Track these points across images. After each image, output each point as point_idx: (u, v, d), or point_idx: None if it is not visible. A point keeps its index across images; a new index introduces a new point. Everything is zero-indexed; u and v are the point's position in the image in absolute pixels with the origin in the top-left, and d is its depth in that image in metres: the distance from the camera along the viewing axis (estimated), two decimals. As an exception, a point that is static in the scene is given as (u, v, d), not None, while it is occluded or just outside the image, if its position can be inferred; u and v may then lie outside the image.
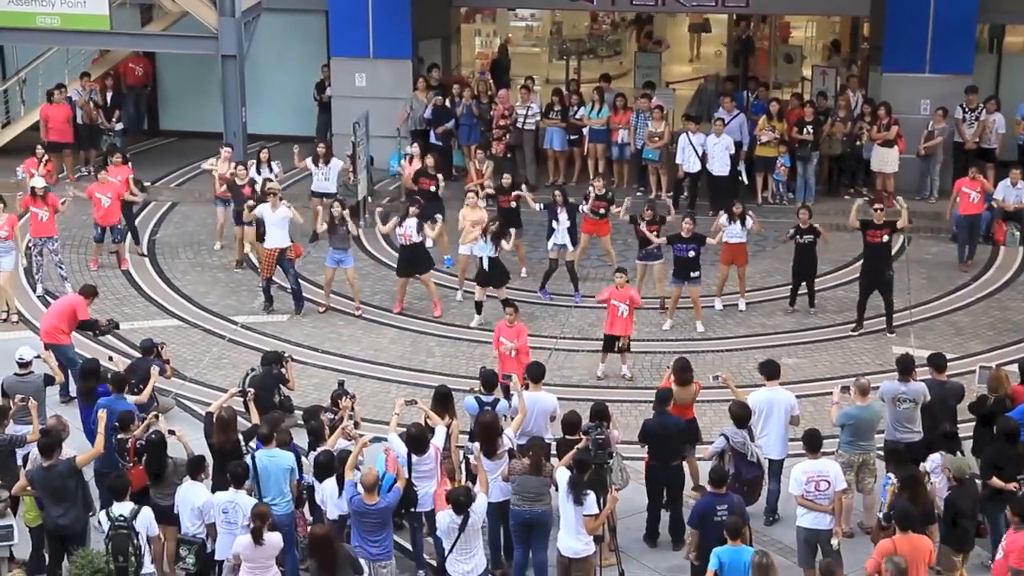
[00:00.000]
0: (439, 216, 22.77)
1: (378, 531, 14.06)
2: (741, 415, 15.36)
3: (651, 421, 15.85)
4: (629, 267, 21.24)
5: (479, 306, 21.77)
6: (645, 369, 20.48)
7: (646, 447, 15.96)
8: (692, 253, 21.04)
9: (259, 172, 24.21)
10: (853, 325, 21.55)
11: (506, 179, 23.55)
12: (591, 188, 23.22)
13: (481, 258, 21.53)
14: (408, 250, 21.97)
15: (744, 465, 15.15)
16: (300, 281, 22.46)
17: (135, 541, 13.76)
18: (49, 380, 17.08)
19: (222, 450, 15.29)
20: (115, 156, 25.09)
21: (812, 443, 14.87)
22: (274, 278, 22.29)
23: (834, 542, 14.48)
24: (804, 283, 22.12)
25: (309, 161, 24.90)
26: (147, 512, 13.98)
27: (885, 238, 20.99)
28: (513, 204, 23.32)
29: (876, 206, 21.64)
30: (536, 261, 24.01)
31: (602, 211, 22.83)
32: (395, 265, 22.86)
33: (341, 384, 16.90)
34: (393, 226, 22.25)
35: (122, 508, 13.94)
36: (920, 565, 13.33)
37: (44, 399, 16.69)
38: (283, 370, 18.09)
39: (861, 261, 21.61)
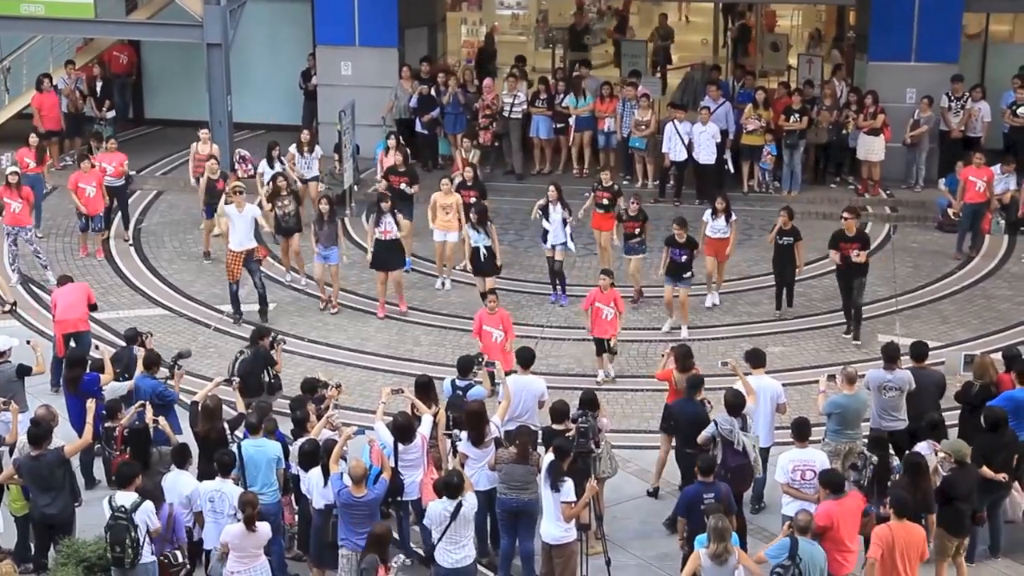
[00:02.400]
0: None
1: (366, 523, 14.02)
2: (733, 403, 15.30)
3: (675, 406, 15.91)
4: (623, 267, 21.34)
5: (485, 297, 21.56)
6: (631, 358, 20.50)
7: (673, 433, 16.01)
8: (685, 257, 20.80)
9: (271, 167, 24.07)
10: (845, 328, 21.15)
11: (468, 173, 23.35)
12: (598, 180, 23.08)
13: (477, 248, 21.35)
14: (384, 246, 21.69)
15: (730, 453, 15.13)
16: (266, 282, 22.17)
17: (132, 533, 13.72)
18: (24, 371, 16.95)
19: (207, 438, 15.28)
20: (109, 142, 25.03)
21: (800, 432, 14.87)
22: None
23: None
24: (782, 284, 21.75)
25: (293, 149, 24.82)
26: (148, 505, 13.94)
27: (855, 252, 20.47)
28: (473, 199, 22.87)
29: (844, 215, 20.87)
30: (522, 251, 24.09)
31: (605, 202, 22.62)
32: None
33: (316, 380, 16.80)
34: (372, 228, 21.89)
35: (124, 499, 13.89)
36: (912, 554, 13.31)
37: (19, 389, 16.62)
38: (272, 349, 18.08)
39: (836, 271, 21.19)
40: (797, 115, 26.03)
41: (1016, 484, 15.45)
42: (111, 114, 28.58)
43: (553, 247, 22.09)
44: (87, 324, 19.21)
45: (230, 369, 17.80)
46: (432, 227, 22.60)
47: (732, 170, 26.59)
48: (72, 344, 18.78)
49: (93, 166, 23.76)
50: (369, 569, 13.20)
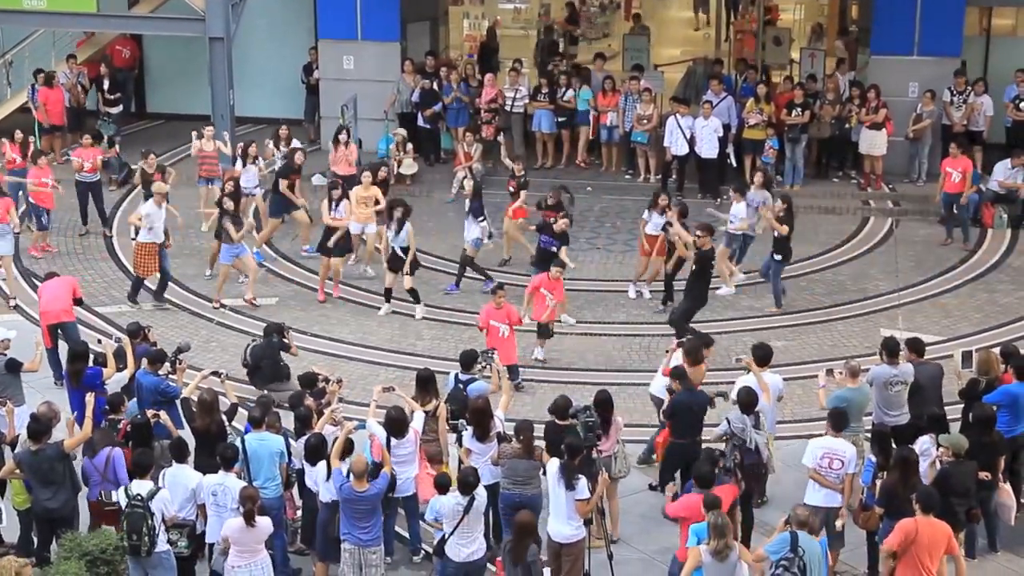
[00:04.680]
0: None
1: (368, 517, 14.07)
2: (746, 401, 15.23)
3: (680, 397, 15.82)
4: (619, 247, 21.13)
5: (388, 294, 21.63)
6: (634, 351, 20.48)
7: (669, 425, 15.94)
8: (555, 248, 20.83)
9: (244, 164, 23.99)
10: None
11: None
12: (511, 170, 23.22)
13: (393, 246, 21.33)
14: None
15: (742, 451, 15.12)
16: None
17: (149, 521, 13.78)
18: (14, 365, 16.86)
19: (207, 432, 15.26)
20: (84, 137, 25.06)
21: (836, 422, 14.84)
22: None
23: (838, 523, 14.54)
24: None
25: (270, 144, 24.77)
26: (164, 493, 14.00)
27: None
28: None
29: (698, 232, 20.04)
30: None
31: (511, 189, 22.90)
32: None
33: (314, 374, 16.85)
34: (329, 214, 21.97)
35: (141, 487, 13.95)
36: (935, 551, 13.24)
37: (10, 383, 16.55)
38: (284, 339, 18.27)
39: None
40: (799, 109, 26.02)
41: (1007, 487, 15.40)
42: (115, 109, 28.51)
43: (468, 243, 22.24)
44: (71, 315, 19.14)
45: (243, 356, 18.18)
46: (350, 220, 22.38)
47: (734, 164, 26.57)
48: (60, 335, 18.82)
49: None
50: (535, 560, 13.39)
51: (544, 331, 19.83)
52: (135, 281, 22.04)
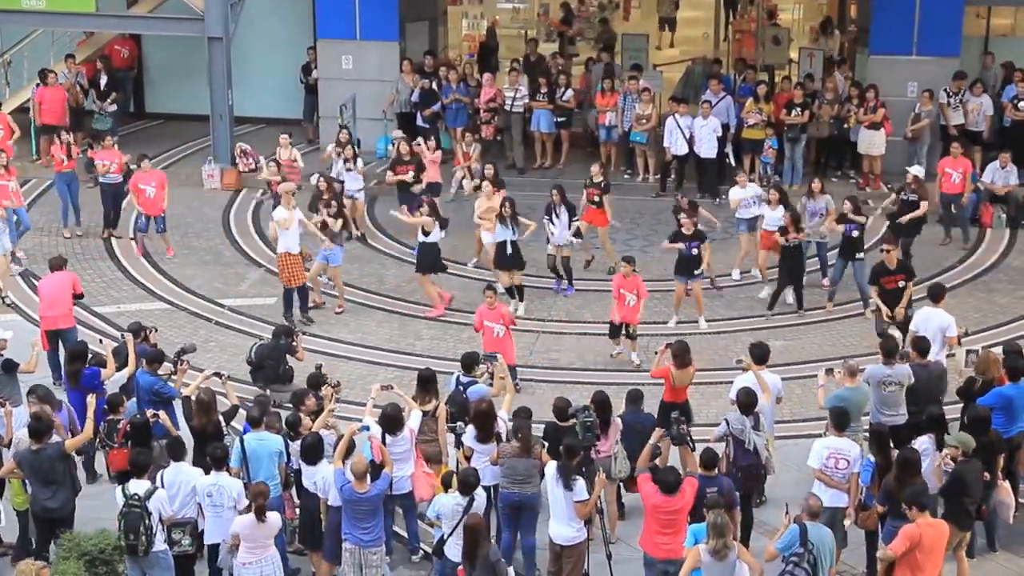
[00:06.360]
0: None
1: (369, 518, 14.06)
2: (746, 402, 15.23)
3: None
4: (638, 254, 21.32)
5: (511, 291, 21.34)
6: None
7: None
8: (696, 251, 20.70)
9: (348, 169, 23.99)
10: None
11: (403, 148, 23.62)
12: (589, 177, 22.87)
13: (504, 242, 21.27)
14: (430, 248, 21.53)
15: (740, 452, 15.11)
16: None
17: (147, 521, 13.81)
18: (11, 366, 16.82)
19: (204, 432, 15.29)
20: (106, 140, 25.06)
21: (838, 421, 14.85)
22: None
23: (847, 522, 14.55)
24: (793, 287, 21.57)
25: (331, 147, 24.62)
26: (161, 493, 14.03)
27: (901, 283, 19.43)
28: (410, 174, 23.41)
29: (885, 246, 19.76)
30: (523, 245, 24.04)
31: (596, 199, 22.57)
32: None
33: (319, 367, 16.84)
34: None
35: (138, 487, 13.97)
36: (937, 554, 13.29)
37: (7, 383, 16.54)
38: (292, 342, 18.25)
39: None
40: (798, 109, 26.01)
41: (1006, 485, 15.40)
42: (112, 108, 28.51)
43: (559, 246, 21.97)
44: (70, 320, 19.01)
45: (248, 353, 18.24)
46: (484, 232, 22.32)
47: (733, 164, 26.56)
48: (60, 342, 18.73)
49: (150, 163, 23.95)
50: (498, 560, 13.33)
51: (622, 332, 19.75)
52: (284, 293, 21.20)
